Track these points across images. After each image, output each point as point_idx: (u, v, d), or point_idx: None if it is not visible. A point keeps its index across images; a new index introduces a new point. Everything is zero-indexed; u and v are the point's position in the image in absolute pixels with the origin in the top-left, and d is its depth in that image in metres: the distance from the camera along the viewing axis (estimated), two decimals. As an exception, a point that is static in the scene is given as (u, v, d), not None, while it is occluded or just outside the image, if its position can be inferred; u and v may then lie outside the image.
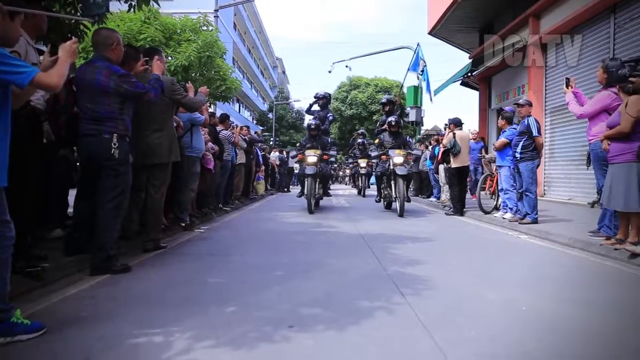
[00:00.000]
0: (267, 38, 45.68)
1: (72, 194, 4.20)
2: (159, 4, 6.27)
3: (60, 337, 2.12)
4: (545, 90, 11.61)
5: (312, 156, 8.60)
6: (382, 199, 9.45)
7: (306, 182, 8.39)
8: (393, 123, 8.84)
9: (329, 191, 10.80)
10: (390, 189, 8.92)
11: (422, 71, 15.91)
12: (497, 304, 2.85)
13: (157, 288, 3.06)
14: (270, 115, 39.76)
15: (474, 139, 10.83)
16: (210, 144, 6.68)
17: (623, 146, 4.27)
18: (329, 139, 10.02)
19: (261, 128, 40.14)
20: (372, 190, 14.24)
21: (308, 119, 10.67)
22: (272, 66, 50.80)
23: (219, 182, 7.86)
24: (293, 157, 9.07)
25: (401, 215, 8.11)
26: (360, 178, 15.60)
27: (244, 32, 36.16)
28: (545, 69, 11.58)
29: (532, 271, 3.89)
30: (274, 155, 16.85)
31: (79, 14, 4.95)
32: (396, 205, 8.55)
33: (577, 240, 5.06)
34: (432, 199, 11.80)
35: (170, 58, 10.24)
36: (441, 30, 15.93)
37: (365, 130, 19.53)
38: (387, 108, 9.87)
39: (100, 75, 3.41)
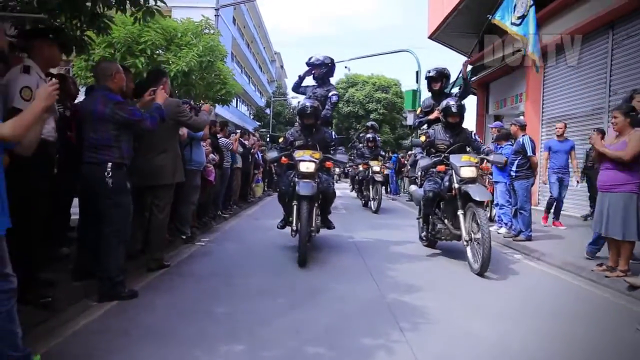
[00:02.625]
0: (266, 32, 45.49)
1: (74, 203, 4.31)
2: (163, 15, 6.31)
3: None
4: (543, 100, 11.72)
5: (307, 161, 5.12)
6: (428, 237, 5.95)
7: (300, 209, 4.90)
8: (454, 110, 5.42)
9: (331, 222, 5.86)
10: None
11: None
12: (490, 341, 2.97)
13: (166, 319, 3.15)
14: (267, 111, 39.73)
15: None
16: (211, 155, 6.76)
17: (625, 177, 4.38)
18: (332, 132, 6.09)
19: (258, 124, 40.14)
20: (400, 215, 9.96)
21: (299, 101, 7.00)
22: (270, 60, 50.64)
23: (218, 190, 7.93)
24: (271, 160, 6.04)
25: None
26: (370, 186, 11.34)
27: (243, 26, 36.00)
28: (543, 80, 11.68)
29: (526, 302, 4.01)
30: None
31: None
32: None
33: (570, 263, 5.19)
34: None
35: (170, 62, 10.24)
36: (441, 35, 15.99)
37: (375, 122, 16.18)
38: (437, 86, 6.38)
39: (97, 103, 3.53)
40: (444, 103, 5.58)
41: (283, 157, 5.35)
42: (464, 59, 17.31)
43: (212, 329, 2.99)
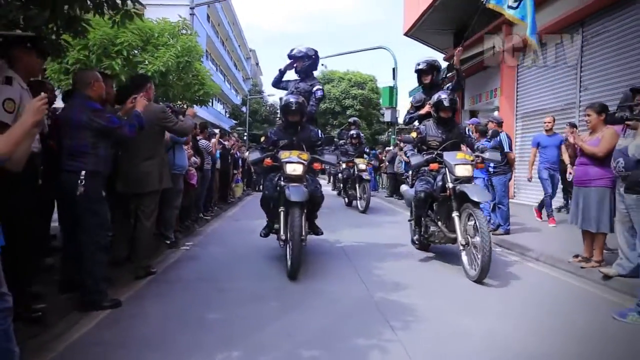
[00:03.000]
0: (241, 29, 45.10)
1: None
2: (142, 19, 6.23)
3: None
4: (517, 95, 12.01)
5: (294, 163, 4.70)
6: (419, 239, 5.48)
7: (290, 217, 4.47)
8: (446, 104, 5.05)
9: (318, 228, 5.31)
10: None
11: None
12: (479, 335, 3.08)
13: (159, 328, 3.16)
14: (243, 109, 39.46)
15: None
16: (193, 159, 6.72)
17: (599, 172, 4.56)
18: (318, 130, 5.50)
19: (235, 122, 39.84)
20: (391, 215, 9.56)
21: (281, 97, 6.61)
22: (245, 58, 50.24)
23: (199, 192, 7.89)
24: (253, 162, 5.53)
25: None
26: (357, 185, 10.70)
27: (217, 23, 35.63)
28: (517, 76, 11.97)
29: (509, 296, 4.14)
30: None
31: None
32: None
33: (547, 256, 5.40)
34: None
35: (146, 63, 10.09)
36: (417, 32, 16.17)
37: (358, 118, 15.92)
38: (427, 79, 5.87)
39: (75, 111, 3.53)
40: (435, 97, 5.18)
41: (266, 159, 4.87)
42: (441, 56, 17.71)
43: (207, 336, 3.01)
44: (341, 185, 12.28)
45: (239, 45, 45.48)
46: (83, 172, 3.44)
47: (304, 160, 4.77)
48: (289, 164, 4.72)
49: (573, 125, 7.96)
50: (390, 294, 3.97)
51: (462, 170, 4.79)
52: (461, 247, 4.64)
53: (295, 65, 5.91)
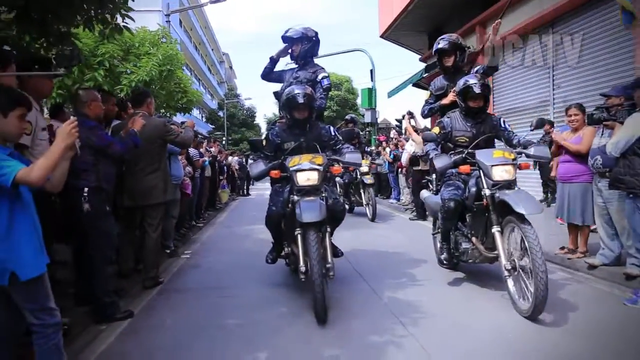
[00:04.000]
0: (213, 33, 44.85)
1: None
2: (131, 32, 6.29)
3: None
4: (493, 93, 12.39)
5: (307, 170, 3.82)
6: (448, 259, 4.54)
7: (306, 242, 3.58)
8: (476, 90, 4.13)
9: (337, 248, 4.39)
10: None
11: None
12: (487, 328, 3.30)
13: (181, 337, 3.26)
14: (220, 114, 39.26)
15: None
16: (187, 168, 6.80)
17: (582, 169, 4.84)
18: (330, 127, 4.60)
19: (212, 127, 39.60)
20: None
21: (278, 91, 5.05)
22: (219, 61, 49.96)
23: (192, 200, 7.95)
24: (256, 176, 4.16)
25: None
26: (361, 190, 9.67)
27: (190, 28, 35.37)
28: (492, 75, 12.37)
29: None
30: (233, 160, 16.91)
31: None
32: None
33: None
34: (392, 200, 12.33)
35: (128, 72, 10.09)
36: (392, 34, 16.50)
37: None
38: (450, 61, 4.81)
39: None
40: (461, 82, 4.24)
41: (273, 170, 3.98)
42: (417, 57, 18.13)
43: (230, 342, 3.14)
44: (357, 197, 10.46)
45: (212, 49, 45.22)
46: (86, 189, 3.52)
47: (318, 165, 3.82)
48: (300, 172, 3.78)
49: (550, 123, 8.39)
50: (397, 292, 4.16)
51: (502, 173, 3.84)
52: (506, 273, 3.67)
53: (291, 49, 4.84)
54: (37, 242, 2.21)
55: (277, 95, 4.81)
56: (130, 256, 4.65)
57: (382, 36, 17.00)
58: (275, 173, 3.99)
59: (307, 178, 3.78)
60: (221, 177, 12.85)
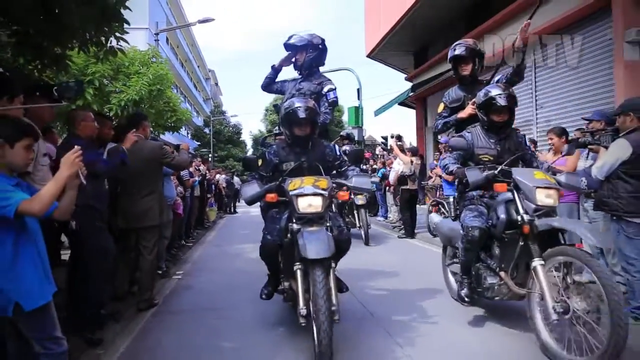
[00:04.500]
0: (200, 50, 45.04)
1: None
2: (125, 54, 6.36)
3: None
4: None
5: (309, 195, 3.29)
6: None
7: (312, 280, 3.01)
8: (501, 102, 3.70)
9: (342, 282, 3.71)
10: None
11: None
12: (482, 353, 3.37)
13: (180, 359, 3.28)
14: (206, 131, 39.23)
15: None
16: (179, 188, 6.82)
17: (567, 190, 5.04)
18: (335, 145, 4.86)
19: (197, 143, 39.51)
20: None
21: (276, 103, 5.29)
22: (205, 78, 50.07)
23: (182, 220, 7.95)
24: (250, 200, 3.52)
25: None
26: (355, 212, 8.93)
27: (176, 45, 35.48)
28: (475, 95, 12.68)
29: (494, 310, 4.48)
30: (221, 178, 16.90)
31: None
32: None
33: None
34: (379, 217, 12.45)
35: (117, 91, 10.13)
36: (378, 53, 16.84)
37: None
38: (467, 69, 4.41)
39: (61, 148, 3.69)
40: (482, 94, 3.77)
41: (269, 194, 3.46)
42: (402, 76, 18.48)
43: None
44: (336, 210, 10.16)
45: (198, 66, 45.35)
46: (74, 207, 3.54)
47: (322, 189, 3.27)
48: (302, 197, 3.24)
49: (533, 142, 8.63)
50: (391, 313, 4.21)
51: (546, 198, 3.27)
52: (554, 317, 2.96)
53: (295, 58, 4.47)
54: (42, 270, 2.22)
55: (277, 108, 4.35)
56: (125, 278, 4.64)
57: (368, 56, 17.32)
58: (271, 197, 3.46)
59: (309, 204, 3.23)
60: (209, 195, 12.85)
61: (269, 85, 4.67)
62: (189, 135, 40.85)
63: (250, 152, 46.57)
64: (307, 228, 3.20)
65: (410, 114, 17.87)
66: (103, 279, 3.84)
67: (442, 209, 4.77)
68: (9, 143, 2.18)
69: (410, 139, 16.71)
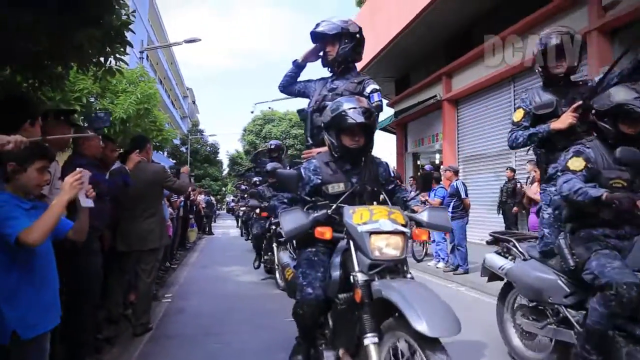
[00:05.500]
0: (178, 68, 44.97)
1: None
2: (123, 75, 6.38)
3: None
4: (458, 140, 13.10)
5: (389, 234, 2.33)
6: None
7: None
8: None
9: None
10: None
11: None
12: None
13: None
14: (183, 149, 38.86)
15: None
16: (169, 209, 6.77)
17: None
18: (386, 163, 3.16)
19: (173, 162, 39.07)
20: None
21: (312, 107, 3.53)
22: (182, 96, 49.84)
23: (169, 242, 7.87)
24: (293, 233, 2.49)
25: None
26: (272, 244, 6.83)
27: (155, 62, 35.33)
28: (457, 121, 13.10)
29: (487, 334, 4.60)
30: (200, 198, 16.76)
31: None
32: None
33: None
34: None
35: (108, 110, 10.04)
36: (361, 79, 17.21)
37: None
38: (561, 65, 3.36)
39: (66, 168, 3.67)
40: (608, 97, 2.93)
41: (319, 227, 2.53)
42: (385, 102, 18.88)
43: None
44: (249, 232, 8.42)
45: (177, 84, 45.19)
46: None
47: (401, 225, 2.40)
48: (376, 235, 2.33)
49: (512, 170, 8.97)
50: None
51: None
52: None
53: (325, 51, 3.49)
54: (47, 298, 2.20)
55: (302, 114, 3.57)
56: (120, 301, 4.57)
57: (351, 81, 17.67)
58: (322, 231, 2.51)
59: (385, 244, 2.32)
60: (190, 216, 12.73)
61: (290, 85, 3.69)
62: (165, 154, 40.40)
63: (226, 172, 46.12)
64: (397, 280, 2.32)
65: (390, 139, 18.22)
66: (97, 302, 3.81)
67: (515, 249, 3.60)
68: (21, 166, 2.17)
69: (391, 164, 17.00)
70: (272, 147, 7.76)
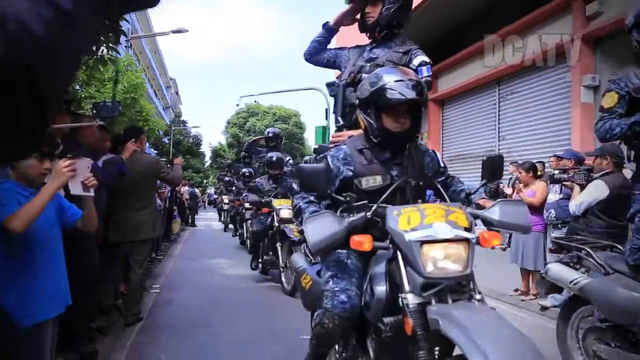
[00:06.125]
0: (162, 58, 44.35)
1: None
2: (115, 65, 6.35)
3: None
4: (443, 140, 13.32)
5: (448, 242, 1.74)
6: None
7: None
8: None
9: None
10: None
11: None
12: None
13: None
14: (165, 140, 38.44)
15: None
16: (158, 202, 6.76)
17: (536, 219, 5.43)
18: (434, 151, 2.58)
19: (155, 152, 38.62)
20: None
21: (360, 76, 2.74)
22: (165, 86, 49.22)
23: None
24: (324, 246, 1.84)
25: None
26: (274, 244, 6.34)
27: (139, 51, 34.81)
28: (442, 121, 13.32)
29: None
30: (184, 190, 16.66)
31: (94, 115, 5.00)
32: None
33: (491, 290, 6.18)
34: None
35: (96, 98, 9.96)
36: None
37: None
38: None
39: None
40: None
41: (355, 236, 1.89)
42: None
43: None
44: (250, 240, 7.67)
45: (160, 74, 44.58)
46: None
47: (464, 229, 1.81)
48: (430, 245, 1.76)
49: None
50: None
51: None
52: None
53: (365, 13, 2.89)
54: (50, 286, 2.20)
55: (332, 88, 3.03)
56: (111, 292, 4.58)
57: (337, 78, 17.72)
58: (359, 241, 1.89)
59: (443, 256, 1.76)
60: (174, 208, 12.68)
61: (318, 52, 3.08)
62: (148, 144, 39.93)
63: (208, 164, 45.66)
64: (455, 308, 1.70)
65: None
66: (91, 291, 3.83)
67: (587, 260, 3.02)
68: None
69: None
70: (270, 135, 7.48)
